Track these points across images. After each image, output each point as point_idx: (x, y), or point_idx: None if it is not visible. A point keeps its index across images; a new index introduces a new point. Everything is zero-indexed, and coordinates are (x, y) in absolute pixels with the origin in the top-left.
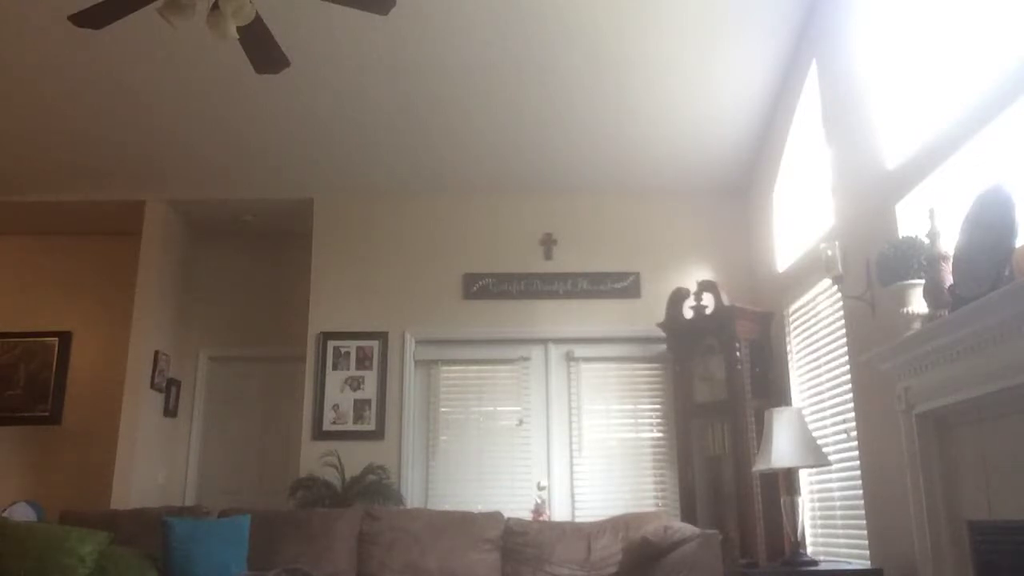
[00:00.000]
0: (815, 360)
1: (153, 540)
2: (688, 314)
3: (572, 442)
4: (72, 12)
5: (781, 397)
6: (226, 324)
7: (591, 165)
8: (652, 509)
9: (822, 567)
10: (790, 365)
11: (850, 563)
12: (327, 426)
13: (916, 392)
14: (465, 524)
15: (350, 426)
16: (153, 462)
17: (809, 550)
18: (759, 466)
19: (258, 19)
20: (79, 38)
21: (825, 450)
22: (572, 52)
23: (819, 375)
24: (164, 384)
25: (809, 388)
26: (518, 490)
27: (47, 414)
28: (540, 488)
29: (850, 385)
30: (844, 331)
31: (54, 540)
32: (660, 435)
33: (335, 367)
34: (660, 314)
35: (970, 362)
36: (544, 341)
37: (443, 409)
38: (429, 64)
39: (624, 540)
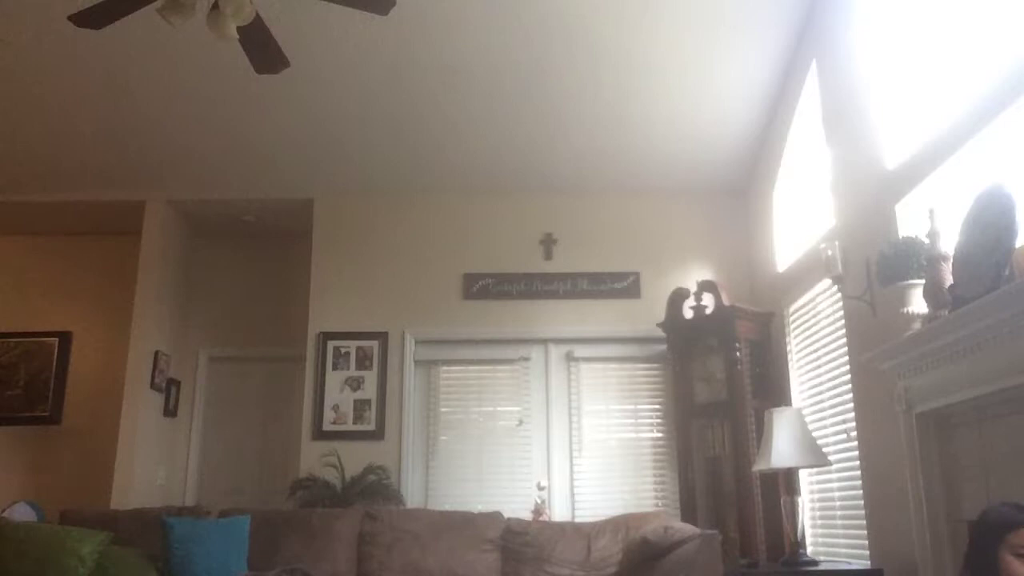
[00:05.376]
0: (815, 360)
1: (153, 540)
2: (688, 314)
3: (572, 442)
4: (72, 12)
5: (781, 397)
6: (226, 324)
7: (591, 165)
8: (652, 509)
9: (822, 567)
10: (790, 365)
11: (850, 563)
12: (327, 426)
13: (916, 392)
14: (465, 524)
15: (350, 426)
16: (153, 462)
17: (809, 550)
18: (759, 466)
19: (258, 19)
20: (79, 38)
21: (825, 450)
22: (572, 52)
23: (819, 375)
24: (164, 384)
25: (809, 388)
26: (518, 490)
27: (47, 414)
28: (540, 488)
29: (850, 385)
30: (844, 331)
31: (54, 540)
32: (660, 435)
33: (335, 367)
34: (660, 314)
35: (970, 362)
36: (544, 341)
37: (443, 409)
38: (429, 64)
39: (624, 540)
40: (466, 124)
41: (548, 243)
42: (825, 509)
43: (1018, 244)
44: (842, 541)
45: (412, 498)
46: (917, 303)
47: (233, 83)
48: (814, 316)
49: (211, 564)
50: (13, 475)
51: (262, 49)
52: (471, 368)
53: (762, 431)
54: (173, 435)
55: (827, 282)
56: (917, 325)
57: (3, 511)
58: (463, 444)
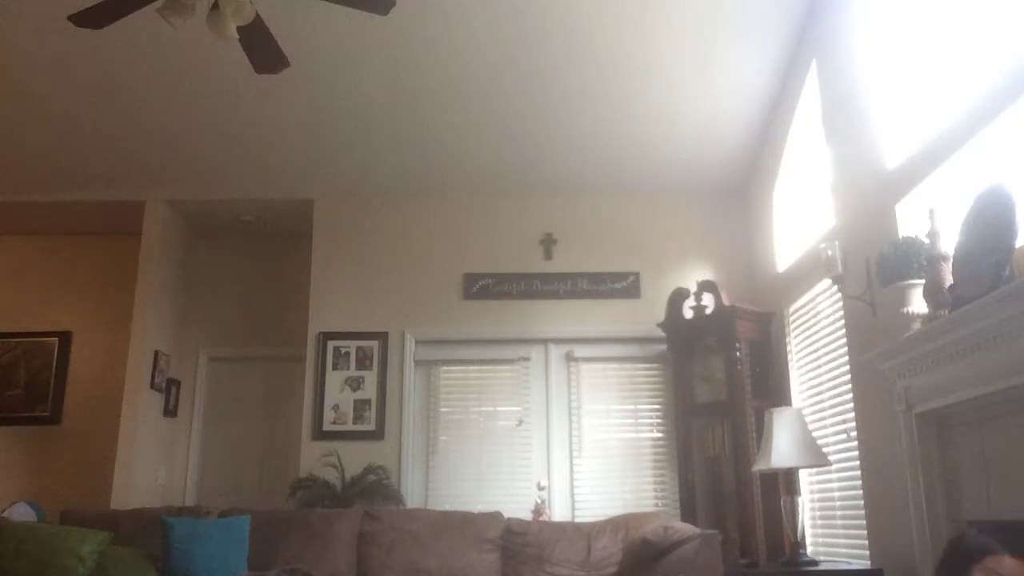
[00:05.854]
0: (815, 360)
1: (153, 540)
2: (688, 314)
3: (572, 442)
4: (72, 12)
5: (781, 397)
6: (226, 324)
7: (591, 165)
8: (652, 509)
9: (822, 567)
10: (790, 365)
11: (850, 563)
12: (327, 426)
13: (916, 392)
14: (465, 524)
15: (350, 426)
16: (153, 462)
17: (809, 550)
18: (759, 466)
19: (258, 19)
20: (79, 38)
21: (825, 450)
22: (572, 52)
23: (819, 375)
24: (164, 384)
25: (809, 388)
26: (518, 490)
27: (47, 414)
28: (540, 488)
29: (850, 385)
30: (844, 331)
31: (54, 540)
32: (660, 435)
33: (335, 367)
34: (660, 314)
35: (970, 362)
36: (544, 341)
37: (443, 409)
38: (429, 64)
39: (624, 540)
40: (466, 124)
41: (548, 243)
42: (825, 509)
43: (1018, 244)
44: (842, 541)
45: (412, 498)
46: (917, 303)
47: (233, 83)
48: (814, 316)
49: (211, 564)
50: (13, 475)
51: (262, 49)
52: (471, 368)
53: (762, 431)
54: (173, 435)
55: (827, 282)
56: (917, 325)
57: (3, 511)
58: (463, 444)
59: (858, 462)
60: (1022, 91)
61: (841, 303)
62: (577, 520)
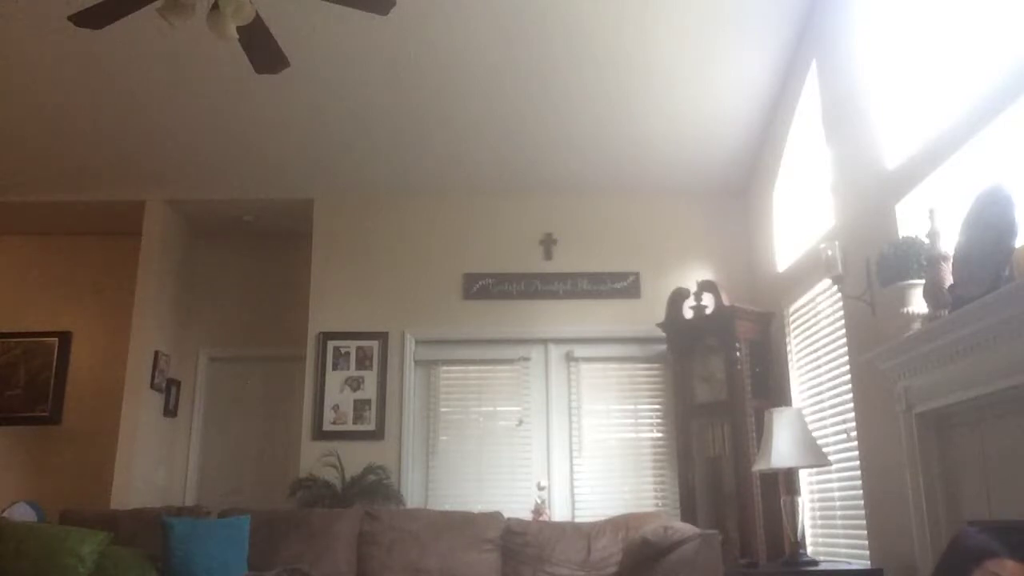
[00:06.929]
0: (815, 360)
1: (153, 540)
2: (688, 314)
3: (572, 442)
4: (72, 12)
5: (781, 397)
6: (226, 324)
7: (591, 165)
8: (652, 509)
9: (822, 567)
10: (790, 365)
11: (850, 563)
12: (327, 426)
13: (916, 392)
14: (465, 524)
15: (350, 426)
16: (153, 462)
17: (809, 550)
18: (759, 466)
19: (258, 19)
20: (79, 38)
21: (825, 450)
22: (572, 52)
23: (819, 375)
24: (164, 384)
25: (809, 388)
26: (518, 490)
27: (47, 414)
28: (540, 488)
29: (850, 385)
30: (844, 331)
31: (54, 540)
32: (660, 435)
33: (335, 367)
34: (660, 314)
35: (970, 362)
36: (544, 341)
37: (443, 409)
38: (429, 65)
39: (624, 540)
40: (466, 124)
41: (548, 243)
42: (825, 509)
43: (1018, 244)
44: (842, 541)
45: (412, 498)
46: (917, 303)
47: (233, 83)
48: (814, 316)
49: (211, 564)
50: (13, 475)
51: (262, 49)
52: (471, 368)
53: (762, 431)
54: (173, 435)
55: (827, 282)
56: (917, 325)
57: (3, 511)
58: (463, 444)
59: (858, 462)
60: (1022, 91)
61: (841, 303)
62: (577, 520)
